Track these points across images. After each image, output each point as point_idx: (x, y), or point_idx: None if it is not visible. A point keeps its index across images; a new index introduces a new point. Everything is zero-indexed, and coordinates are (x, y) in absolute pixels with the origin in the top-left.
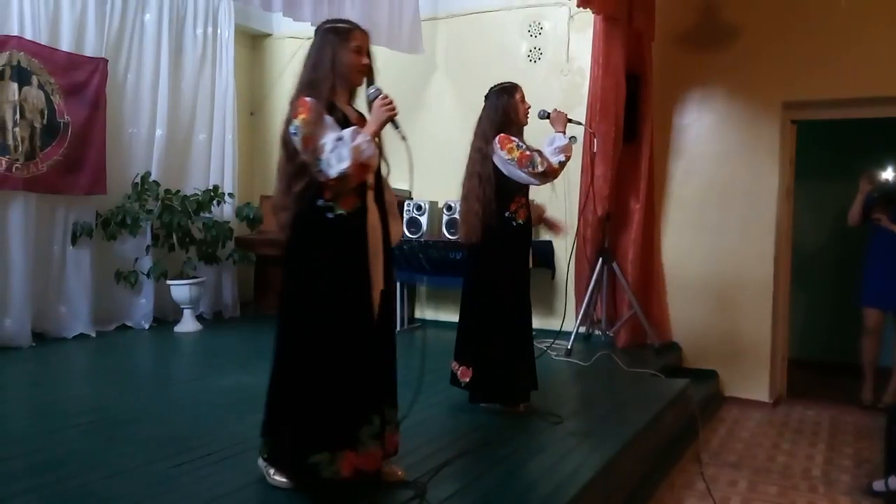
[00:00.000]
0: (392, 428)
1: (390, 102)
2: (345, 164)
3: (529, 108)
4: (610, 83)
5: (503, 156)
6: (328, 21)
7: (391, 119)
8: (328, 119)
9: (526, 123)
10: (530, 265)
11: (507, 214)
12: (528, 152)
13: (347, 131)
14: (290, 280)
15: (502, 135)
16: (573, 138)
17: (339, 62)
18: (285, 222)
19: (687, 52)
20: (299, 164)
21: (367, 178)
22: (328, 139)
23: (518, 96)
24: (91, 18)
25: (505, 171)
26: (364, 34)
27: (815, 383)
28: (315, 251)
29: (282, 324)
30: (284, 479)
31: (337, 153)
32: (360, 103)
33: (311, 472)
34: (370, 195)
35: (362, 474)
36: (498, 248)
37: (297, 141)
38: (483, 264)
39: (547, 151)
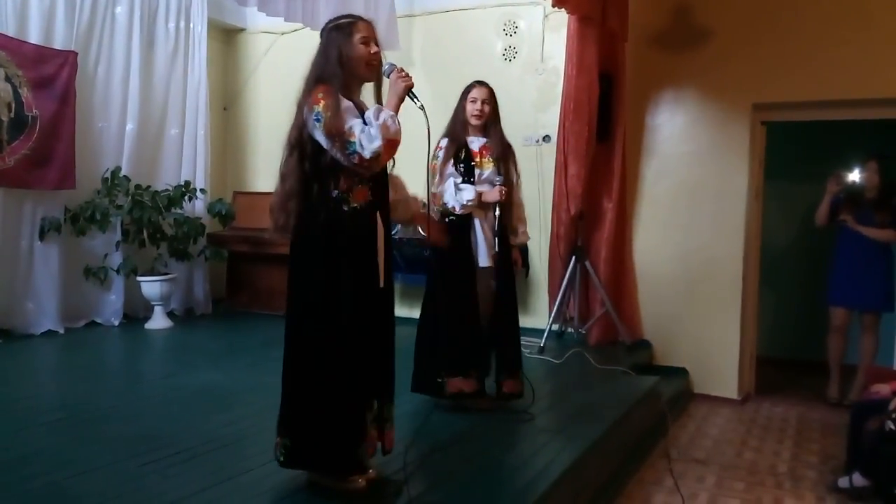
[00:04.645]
0: (389, 425)
1: (406, 74)
2: (377, 143)
3: (480, 108)
4: (583, 83)
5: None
6: (330, 20)
7: (409, 90)
8: (346, 103)
9: (473, 123)
10: (481, 262)
11: (436, 209)
12: (437, 164)
13: (372, 109)
14: (302, 277)
15: (441, 139)
16: (547, 137)
17: (347, 57)
18: (285, 224)
19: (659, 54)
20: (322, 163)
21: (391, 159)
22: (355, 122)
23: (469, 96)
24: (60, 10)
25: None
26: (368, 24)
27: (783, 381)
28: (329, 244)
29: (295, 323)
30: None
31: (367, 133)
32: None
33: (359, 465)
34: (377, 192)
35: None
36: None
37: (319, 128)
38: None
39: (447, 189)
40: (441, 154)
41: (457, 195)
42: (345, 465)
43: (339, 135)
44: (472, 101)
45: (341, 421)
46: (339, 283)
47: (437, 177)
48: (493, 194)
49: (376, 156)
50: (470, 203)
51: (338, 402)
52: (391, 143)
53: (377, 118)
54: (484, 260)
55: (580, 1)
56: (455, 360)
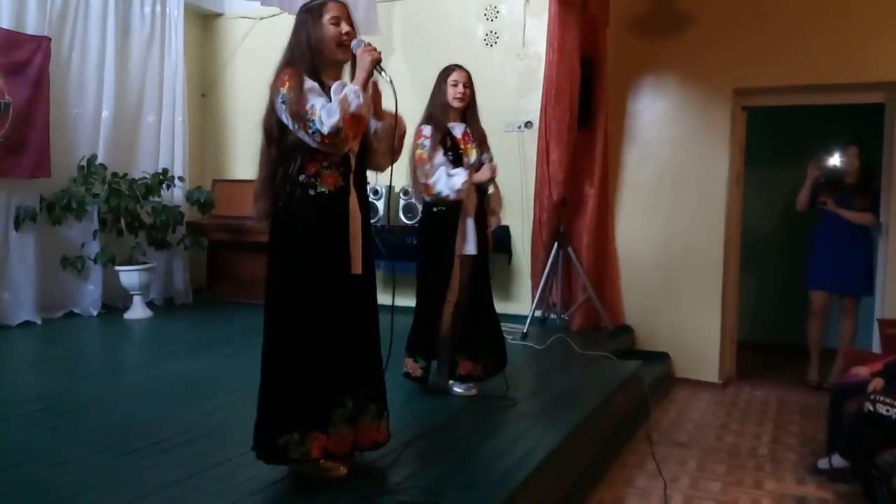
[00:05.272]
0: (371, 420)
1: (373, 48)
2: (335, 118)
3: (463, 91)
4: (565, 68)
5: (415, 150)
6: (305, 3)
7: (376, 63)
8: (310, 83)
9: (455, 106)
10: (464, 250)
11: (427, 199)
12: (425, 155)
13: (335, 85)
14: (272, 261)
15: (421, 126)
16: (529, 123)
17: (316, 38)
18: (266, 209)
19: (641, 39)
20: (286, 146)
21: (360, 133)
22: (317, 101)
23: (450, 79)
24: None
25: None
26: (340, 5)
27: (764, 364)
28: (295, 229)
29: (266, 307)
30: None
31: (327, 109)
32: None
33: (280, 453)
34: (351, 177)
35: (332, 456)
36: (424, 234)
37: (285, 110)
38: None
39: (440, 177)
40: (427, 143)
41: (448, 182)
42: (267, 452)
43: (301, 115)
44: (453, 85)
45: (274, 406)
46: (302, 269)
47: (428, 166)
48: (484, 173)
49: (336, 131)
50: (462, 187)
51: (283, 390)
52: (354, 119)
53: (339, 92)
54: (472, 248)
55: None
56: (413, 343)
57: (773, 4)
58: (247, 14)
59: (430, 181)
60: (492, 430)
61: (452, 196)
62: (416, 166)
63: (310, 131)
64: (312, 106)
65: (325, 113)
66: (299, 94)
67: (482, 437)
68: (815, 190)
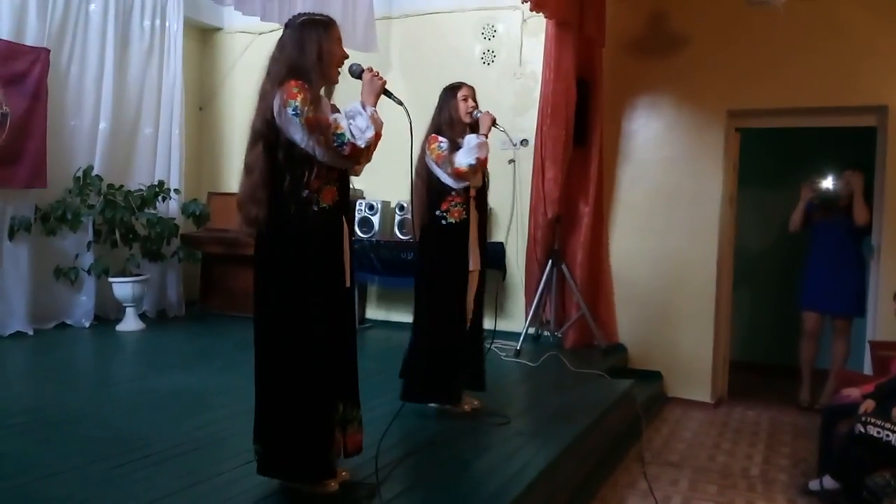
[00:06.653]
0: (354, 427)
1: (377, 73)
2: (371, 133)
3: (473, 107)
4: (561, 87)
5: (428, 155)
6: (303, 15)
7: (383, 88)
8: (323, 98)
9: (467, 122)
10: (472, 266)
11: (437, 213)
12: (444, 153)
13: (356, 103)
14: (268, 275)
15: (433, 134)
16: (525, 141)
17: (326, 53)
18: (257, 215)
19: (636, 60)
20: (295, 158)
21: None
22: (337, 115)
23: (460, 94)
24: (32, 7)
25: (432, 170)
26: (338, 29)
27: (756, 385)
28: (299, 244)
29: (262, 323)
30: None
31: (357, 125)
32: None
33: (328, 469)
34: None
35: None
36: (431, 247)
37: (298, 123)
38: (421, 264)
39: (458, 154)
40: (445, 144)
41: (466, 153)
42: (315, 471)
43: (323, 128)
44: (463, 99)
45: (310, 425)
46: (308, 283)
47: (449, 165)
48: (486, 121)
49: (369, 145)
50: (480, 141)
51: (307, 405)
52: (378, 137)
53: (365, 110)
54: (477, 262)
55: (558, 6)
56: (428, 379)
57: (765, 28)
58: (246, 29)
59: (455, 165)
60: (484, 448)
61: (481, 156)
62: (437, 165)
63: (335, 144)
64: (335, 119)
65: (356, 128)
66: (318, 108)
67: (474, 455)
68: (809, 211)
